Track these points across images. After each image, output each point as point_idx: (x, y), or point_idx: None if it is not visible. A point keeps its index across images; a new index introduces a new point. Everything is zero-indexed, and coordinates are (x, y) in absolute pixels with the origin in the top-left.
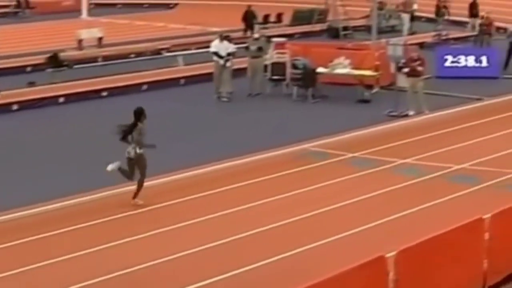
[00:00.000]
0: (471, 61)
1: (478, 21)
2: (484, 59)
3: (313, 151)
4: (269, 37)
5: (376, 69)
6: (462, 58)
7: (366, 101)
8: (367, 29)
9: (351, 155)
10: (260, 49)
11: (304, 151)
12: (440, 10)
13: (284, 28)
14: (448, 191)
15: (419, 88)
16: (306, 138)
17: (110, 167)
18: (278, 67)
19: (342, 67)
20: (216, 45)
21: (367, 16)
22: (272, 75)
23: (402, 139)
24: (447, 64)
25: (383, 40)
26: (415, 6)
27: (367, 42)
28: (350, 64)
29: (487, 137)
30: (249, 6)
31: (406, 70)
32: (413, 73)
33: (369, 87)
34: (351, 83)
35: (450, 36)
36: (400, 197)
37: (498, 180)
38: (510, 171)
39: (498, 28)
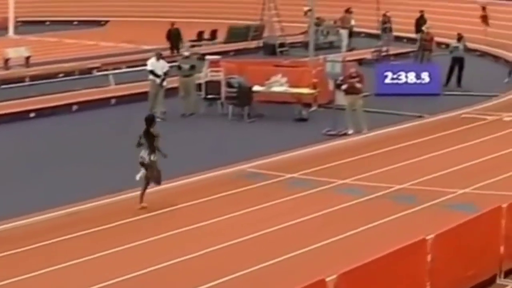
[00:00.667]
0: (411, 77)
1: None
2: (425, 75)
3: (250, 172)
4: (203, 54)
5: (313, 86)
6: (402, 75)
7: (303, 120)
8: (305, 45)
9: (289, 176)
10: (193, 67)
11: (241, 173)
12: (385, 25)
13: (218, 45)
14: (389, 212)
15: (358, 106)
16: (242, 159)
17: (138, 177)
18: (213, 86)
19: (279, 85)
20: (153, 64)
21: (304, 32)
22: (207, 94)
23: (341, 159)
24: (387, 81)
25: (321, 57)
26: (352, 22)
27: (304, 59)
28: (287, 82)
29: (428, 155)
30: (172, 24)
31: (344, 87)
32: (352, 91)
33: (307, 105)
34: (288, 101)
35: (390, 52)
36: (340, 218)
37: (439, 200)
38: (451, 190)
39: (440, 44)
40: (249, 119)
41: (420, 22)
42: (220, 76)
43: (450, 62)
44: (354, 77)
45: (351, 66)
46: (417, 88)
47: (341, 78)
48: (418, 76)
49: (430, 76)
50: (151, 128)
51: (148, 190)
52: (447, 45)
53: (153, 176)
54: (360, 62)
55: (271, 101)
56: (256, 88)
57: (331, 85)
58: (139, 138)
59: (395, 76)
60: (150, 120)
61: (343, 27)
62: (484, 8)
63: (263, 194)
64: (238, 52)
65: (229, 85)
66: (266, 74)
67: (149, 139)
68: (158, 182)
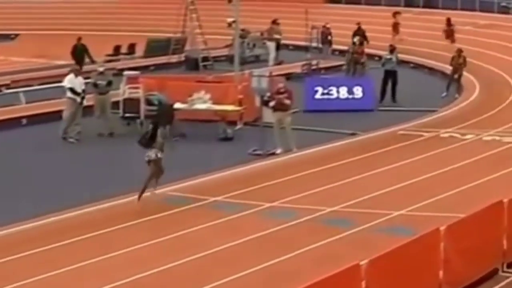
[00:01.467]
0: (343, 92)
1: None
2: (358, 90)
3: (171, 196)
4: (120, 70)
5: (239, 103)
6: (333, 90)
7: (228, 139)
8: (229, 59)
9: (213, 199)
10: (110, 83)
11: (162, 196)
12: (326, 38)
13: (137, 59)
14: (320, 236)
15: (287, 124)
16: (163, 182)
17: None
18: (131, 104)
19: (202, 102)
20: (71, 80)
21: (229, 45)
22: (125, 112)
23: (269, 180)
24: (318, 96)
25: (247, 71)
26: (280, 34)
27: (229, 74)
28: (210, 99)
29: (362, 175)
30: (79, 39)
31: (272, 104)
32: (280, 107)
33: (232, 123)
34: (212, 119)
35: (321, 66)
36: (269, 243)
37: (374, 222)
38: (386, 212)
39: (373, 56)
40: (170, 139)
41: (357, 34)
42: (139, 93)
43: (382, 75)
44: (282, 93)
45: (279, 81)
46: (349, 104)
47: (268, 94)
48: (350, 91)
49: (363, 90)
50: (159, 128)
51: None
52: (380, 57)
53: (157, 173)
54: (289, 76)
55: (194, 119)
56: (177, 105)
57: (257, 102)
58: (146, 138)
59: (326, 91)
60: (157, 120)
61: (270, 39)
62: (395, 14)
63: (186, 219)
64: (158, 67)
65: (149, 102)
66: (188, 90)
67: (154, 138)
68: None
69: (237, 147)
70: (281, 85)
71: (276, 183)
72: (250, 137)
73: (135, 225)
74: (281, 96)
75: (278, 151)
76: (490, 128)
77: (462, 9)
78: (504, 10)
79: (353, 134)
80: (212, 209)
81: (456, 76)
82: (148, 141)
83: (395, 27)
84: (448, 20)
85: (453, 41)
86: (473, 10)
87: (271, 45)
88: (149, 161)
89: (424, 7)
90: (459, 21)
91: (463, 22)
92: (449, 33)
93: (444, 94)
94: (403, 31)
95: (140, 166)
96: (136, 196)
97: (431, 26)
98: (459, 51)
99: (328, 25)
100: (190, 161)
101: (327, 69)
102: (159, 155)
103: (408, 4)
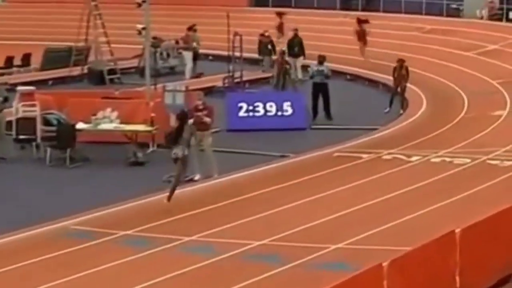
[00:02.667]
0: (271, 109)
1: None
2: (287, 106)
3: (74, 231)
4: (13, 85)
5: (151, 122)
6: (260, 106)
7: (139, 164)
8: (140, 71)
9: (123, 233)
10: (6, 100)
11: (63, 231)
12: (266, 47)
13: (33, 73)
14: (247, 274)
15: (207, 145)
16: (64, 215)
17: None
18: (25, 124)
19: (108, 122)
20: None
21: (139, 56)
22: (18, 134)
23: (186, 211)
24: (242, 113)
25: (160, 86)
26: (195, 44)
27: (139, 89)
28: (118, 118)
29: (293, 204)
30: None
31: (189, 122)
32: (198, 126)
33: (143, 145)
34: (121, 141)
35: (245, 78)
36: (187, 284)
37: (308, 258)
38: (321, 246)
39: (303, 67)
40: (72, 164)
41: (293, 43)
42: (35, 111)
43: (311, 89)
44: (201, 110)
45: (197, 96)
46: (278, 122)
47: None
48: (279, 107)
49: (293, 106)
50: (185, 125)
51: None
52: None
53: (184, 171)
54: (209, 91)
55: (99, 142)
56: (80, 125)
57: (172, 120)
58: (172, 135)
59: (251, 108)
60: (184, 116)
61: (187, 48)
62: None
63: (91, 256)
64: (57, 81)
65: (46, 122)
66: (92, 108)
67: (180, 134)
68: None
69: (149, 173)
70: (199, 101)
71: (195, 214)
72: (164, 162)
73: (30, 265)
74: (200, 113)
75: (197, 177)
76: (439, 148)
77: (406, 13)
78: (454, 13)
79: (283, 157)
80: (121, 245)
81: (399, 89)
82: (175, 138)
83: (280, 28)
84: (358, 20)
85: (365, 43)
86: (419, 13)
87: (188, 55)
88: (176, 159)
89: (363, 10)
90: (403, 26)
91: (408, 27)
92: (361, 34)
93: (387, 109)
94: (331, 36)
95: (31, 198)
96: (166, 195)
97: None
98: (401, 61)
99: (267, 33)
100: (95, 190)
101: (252, 82)
102: (186, 152)
103: (344, 7)
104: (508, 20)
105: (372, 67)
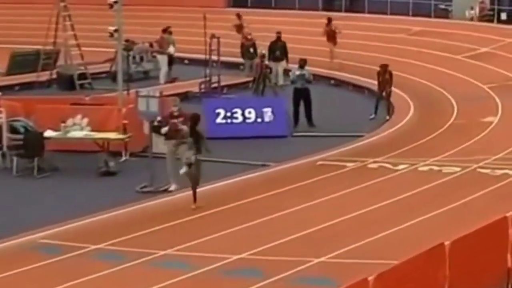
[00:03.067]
0: (251, 115)
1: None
2: (268, 112)
3: (43, 244)
4: None
5: (123, 130)
6: (238, 112)
7: (111, 174)
8: (112, 76)
9: (94, 247)
10: None
11: (31, 245)
12: (248, 51)
13: None
14: None
15: (181, 154)
16: (32, 227)
17: (182, 171)
18: None
19: (79, 129)
20: None
21: (111, 60)
22: None
23: (161, 223)
24: (219, 120)
25: (133, 91)
26: (171, 48)
27: (111, 95)
28: (89, 125)
29: (274, 215)
30: None
31: (164, 130)
32: (174, 135)
33: (116, 154)
34: (91, 149)
35: (223, 83)
36: None
37: (290, 272)
38: (303, 259)
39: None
40: (40, 174)
41: (275, 47)
42: (1, 118)
43: (292, 94)
44: (176, 117)
45: (172, 103)
46: (258, 129)
47: (159, 118)
48: (259, 114)
49: (274, 113)
50: (196, 127)
51: None
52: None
53: (197, 175)
54: (184, 96)
55: (69, 150)
56: (48, 133)
57: (146, 128)
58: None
59: (229, 114)
60: (196, 119)
61: (161, 52)
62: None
63: (60, 271)
64: (24, 87)
65: (13, 130)
66: (61, 115)
67: (195, 137)
68: (196, 183)
69: (122, 183)
70: (174, 107)
71: (170, 227)
72: (137, 171)
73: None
74: (175, 120)
75: (173, 187)
76: (427, 156)
77: (393, 14)
78: (442, 14)
79: (263, 166)
80: (93, 259)
81: (384, 94)
82: (194, 141)
83: (239, 29)
84: (329, 19)
85: (335, 43)
86: (406, 14)
87: (163, 59)
88: (189, 164)
89: (347, 11)
90: (389, 28)
91: (394, 29)
92: (330, 34)
93: (372, 116)
94: (313, 39)
95: (2, 206)
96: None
97: (350, 34)
98: (384, 66)
99: (250, 36)
100: (65, 201)
101: (230, 87)
102: (198, 156)
103: (327, 8)
104: (499, 21)
105: (340, 67)
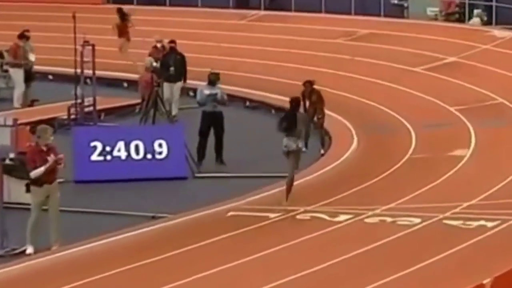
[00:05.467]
0: (138, 150)
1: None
2: (161, 145)
3: None
4: None
5: None
6: (121, 146)
7: None
8: None
9: None
10: None
11: None
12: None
13: None
14: None
15: (53, 204)
16: None
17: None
18: None
19: None
20: None
21: None
22: None
23: None
24: (95, 157)
25: None
26: (32, 57)
27: None
28: None
29: (169, 286)
30: None
31: (38, 172)
32: (47, 178)
33: None
34: None
35: (100, 107)
36: None
37: None
38: None
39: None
40: None
41: (167, 61)
42: None
43: (200, 121)
44: (47, 153)
45: (30, 134)
46: (148, 169)
47: (12, 154)
48: (149, 148)
49: (170, 146)
50: (297, 112)
51: None
52: (195, 91)
53: (297, 165)
54: (49, 125)
55: None
56: None
57: None
58: (284, 124)
59: (108, 149)
60: (296, 103)
61: (15, 65)
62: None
63: None
64: None
65: None
66: None
67: (294, 123)
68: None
69: None
70: (41, 140)
71: None
72: None
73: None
74: (49, 158)
75: (29, 249)
76: (376, 203)
77: (329, 12)
78: (396, 12)
79: (154, 218)
80: None
81: (315, 120)
82: (287, 127)
83: (122, 31)
84: (120, 10)
85: (128, 39)
86: (347, 13)
87: (17, 74)
88: (288, 152)
89: (267, 9)
90: (324, 30)
91: (331, 32)
92: (122, 29)
93: (322, 152)
94: (224, 46)
95: None
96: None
97: (269, 39)
98: (309, 83)
99: (160, 44)
100: None
101: (110, 111)
102: (300, 144)
103: (241, 6)
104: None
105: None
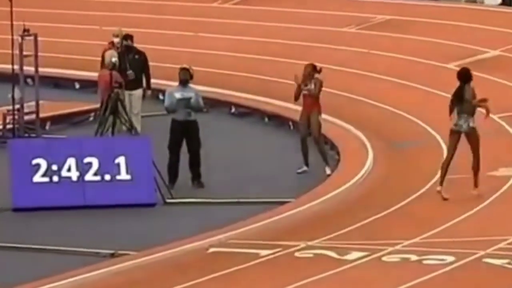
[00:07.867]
0: (93, 170)
1: None
2: (123, 164)
3: None
4: None
5: None
6: (71, 164)
7: None
8: None
9: None
10: None
11: None
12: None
13: None
14: None
15: None
16: None
17: None
18: None
19: None
20: None
21: None
22: None
23: None
24: (38, 178)
25: None
26: None
27: None
28: None
29: None
30: None
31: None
32: None
33: None
34: None
35: (45, 114)
36: None
37: None
38: None
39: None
40: None
41: (123, 61)
42: None
43: (169, 132)
44: None
45: None
46: (106, 193)
47: None
48: (107, 167)
49: (132, 164)
50: (466, 87)
51: None
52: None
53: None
54: None
55: None
56: None
57: None
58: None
59: (55, 168)
60: (467, 76)
61: None
62: None
63: None
64: None
65: None
66: None
67: (463, 101)
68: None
69: None
70: None
71: None
72: None
73: None
74: None
75: None
76: (398, 237)
77: None
78: None
79: (114, 256)
80: None
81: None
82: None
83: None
84: None
85: None
86: None
87: None
88: (455, 132)
89: None
90: (332, 15)
91: (341, 19)
92: None
93: (303, 168)
94: (199, 36)
95: None
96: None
97: (262, 27)
98: (312, 68)
99: (117, 39)
100: None
101: (57, 119)
102: (470, 123)
103: None
104: None
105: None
